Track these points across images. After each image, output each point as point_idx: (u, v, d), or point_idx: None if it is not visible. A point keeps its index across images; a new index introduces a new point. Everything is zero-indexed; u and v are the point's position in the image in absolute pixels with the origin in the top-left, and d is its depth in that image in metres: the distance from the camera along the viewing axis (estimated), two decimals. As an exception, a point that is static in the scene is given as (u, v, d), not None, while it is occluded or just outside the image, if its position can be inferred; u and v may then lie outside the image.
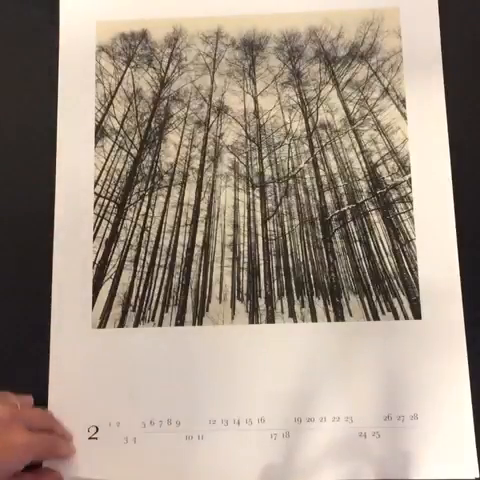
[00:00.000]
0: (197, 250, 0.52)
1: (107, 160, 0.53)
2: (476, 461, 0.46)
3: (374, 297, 0.50)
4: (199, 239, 0.52)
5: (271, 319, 0.50)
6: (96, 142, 0.53)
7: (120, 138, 0.54)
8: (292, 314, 0.50)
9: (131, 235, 0.52)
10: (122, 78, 0.55)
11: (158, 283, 0.51)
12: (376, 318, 0.49)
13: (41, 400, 0.48)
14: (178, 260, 0.52)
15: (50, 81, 0.53)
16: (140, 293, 0.51)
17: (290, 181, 0.53)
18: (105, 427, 0.48)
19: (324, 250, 0.51)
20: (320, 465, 0.46)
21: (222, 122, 0.54)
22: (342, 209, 0.52)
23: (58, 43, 0.54)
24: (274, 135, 0.54)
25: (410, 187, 0.51)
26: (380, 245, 0.51)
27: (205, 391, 0.48)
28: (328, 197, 0.52)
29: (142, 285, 0.51)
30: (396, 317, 0.49)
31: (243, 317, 0.50)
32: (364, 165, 0.53)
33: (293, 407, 0.47)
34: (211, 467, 0.47)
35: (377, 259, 0.51)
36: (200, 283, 0.51)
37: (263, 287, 0.51)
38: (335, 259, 0.51)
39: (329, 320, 0.49)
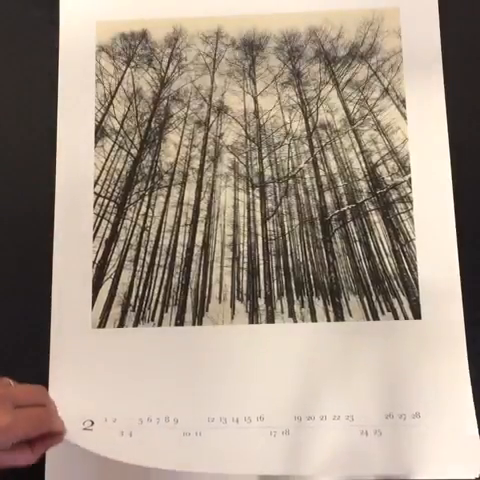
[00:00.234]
0: (197, 250, 0.52)
1: (107, 160, 0.53)
2: (476, 461, 0.46)
3: (374, 297, 0.50)
4: (199, 239, 0.52)
5: (271, 319, 0.50)
6: (96, 142, 0.53)
7: (120, 138, 0.54)
8: (292, 314, 0.50)
9: (131, 235, 0.52)
10: (122, 78, 0.55)
11: (158, 283, 0.51)
12: (376, 318, 0.49)
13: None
14: (178, 260, 0.52)
15: (50, 81, 0.53)
16: (140, 293, 0.51)
17: (290, 181, 0.53)
18: (101, 422, 0.48)
19: (324, 250, 0.51)
20: (320, 463, 0.46)
21: (222, 122, 0.54)
22: (342, 209, 0.52)
23: (58, 43, 0.54)
24: (274, 135, 0.54)
25: (410, 187, 0.51)
26: (380, 245, 0.51)
27: (203, 389, 0.48)
28: (328, 197, 0.52)
29: (142, 285, 0.51)
30: (396, 317, 0.49)
31: (243, 317, 0.50)
32: (364, 165, 0.53)
33: (293, 405, 0.47)
34: (209, 465, 0.47)
35: (377, 259, 0.51)
36: (200, 283, 0.51)
37: (263, 287, 0.51)
38: (335, 259, 0.51)
39: (329, 320, 0.49)
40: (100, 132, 0.53)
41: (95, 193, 0.52)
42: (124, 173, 0.53)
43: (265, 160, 0.53)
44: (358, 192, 0.52)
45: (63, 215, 0.51)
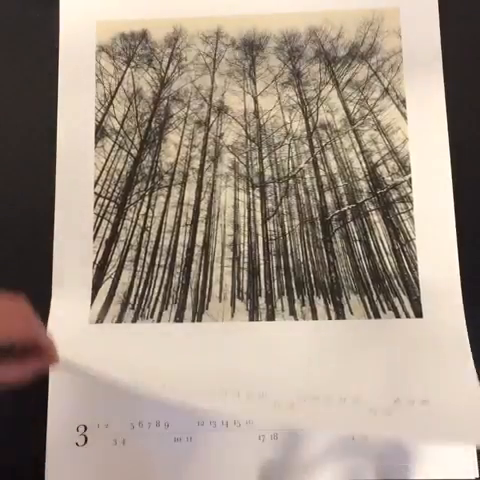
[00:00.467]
0: (197, 250, 0.52)
1: (107, 160, 0.53)
2: (476, 461, 0.46)
3: (375, 296, 0.50)
4: (199, 239, 0.52)
5: (271, 317, 0.50)
6: (96, 142, 0.53)
7: (120, 138, 0.54)
8: (293, 312, 0.50)
9: (131, 235, 0.52)
10: (122, 78, 0.55)
11: (158, 282, 0.51)
12: (377, 316, 0.49)
13: (41, 399, 0.48)
14: (178, 260, 0.52)
15: (50, 81, 0.53)
16: (139, 292, 0.51)
17: (290, 181, 0.53)
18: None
19: (324, 250, 0.51)
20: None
21: (222, 122, 0.54)
22: (342, 209, 0.52)
23: (58, 43, 0.54)
24: (274, 135, 0.54)
25: (410, 187, 0.51)
26: (380, 245, 0.51)
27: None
28: (328, 197, 0.52)
29: (142, 284, 0.51)
30: (397, 315, 0.49)
31: (243, 315, 0.50)
32: (364, 165, 0.53)
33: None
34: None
35: (377, 259, 0.51)
36: (200, 283, 0.51)
37: (263, 287, 0.51)
38: (335, 259, 0.51)
39: (330, 318, 0.49)
40: (100, 132, 0.53)
41: (95, 193, 0.52)
42: (124, 173, 0.53)
43: (265, 160, 0.53)
44: (358, 192, 0.52)
45: (63, 215, 0.51)
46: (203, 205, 0.53)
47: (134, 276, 0.51)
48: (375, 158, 0.53)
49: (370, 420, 0.44)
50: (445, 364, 0.47)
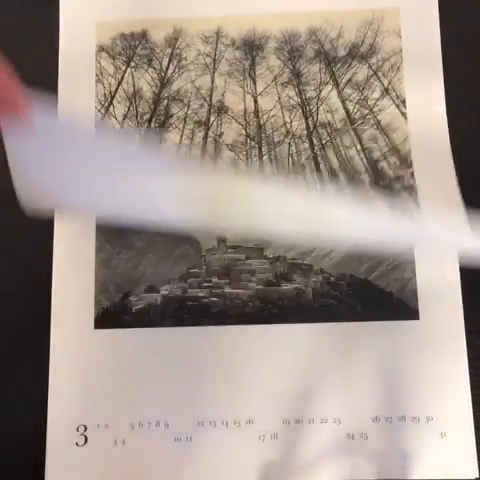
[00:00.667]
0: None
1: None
2: (476, 461, 0.46)
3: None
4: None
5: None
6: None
7: (120, 138, 0.54)
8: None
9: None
10: (122, 78, 0.55)
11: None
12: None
13: (41, 400, 0.48)
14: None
15: (50, 81, 0.53)
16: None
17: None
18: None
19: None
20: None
21: (222, 122, 0.54)
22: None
23: (58, 43, 0.54)
24: (274, 134, 0.53)
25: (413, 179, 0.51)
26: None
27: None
28: (330, 190, 0.52)
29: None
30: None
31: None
32: (365, 161, 0.53)
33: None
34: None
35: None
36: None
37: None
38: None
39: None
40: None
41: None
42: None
43: (265, 157, 0.53)
44: (361, 184, 0.52)
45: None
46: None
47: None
48: (376, 155, 0.53)
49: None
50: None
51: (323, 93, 0.54)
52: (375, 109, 0.53)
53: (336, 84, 0.54)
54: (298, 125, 0.53)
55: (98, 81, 0.54)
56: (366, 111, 0.53)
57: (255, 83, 0.54)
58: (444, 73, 0.52)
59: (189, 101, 0.54)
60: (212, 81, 0.54)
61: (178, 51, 0.55)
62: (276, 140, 0.53)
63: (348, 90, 0.54)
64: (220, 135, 0.54)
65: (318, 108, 0.54)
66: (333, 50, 0.54)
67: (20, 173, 0.34)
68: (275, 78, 0.54)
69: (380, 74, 0.54)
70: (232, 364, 0.48)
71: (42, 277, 0.50)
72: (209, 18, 0.55)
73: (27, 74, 0.53)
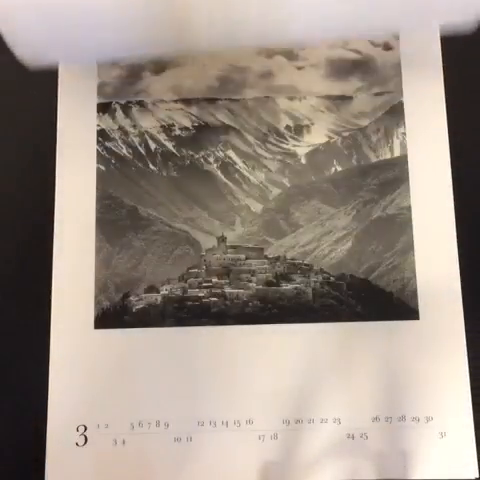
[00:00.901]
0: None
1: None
2: (476, 461, 0.46)
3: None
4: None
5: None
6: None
7: (120, 138, 0.54)
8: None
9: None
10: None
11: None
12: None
13: (41, 400, 0.48)
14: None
15: (50, 81, 0.53)
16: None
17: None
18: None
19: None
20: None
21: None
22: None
23: (58, 43, 0.54)
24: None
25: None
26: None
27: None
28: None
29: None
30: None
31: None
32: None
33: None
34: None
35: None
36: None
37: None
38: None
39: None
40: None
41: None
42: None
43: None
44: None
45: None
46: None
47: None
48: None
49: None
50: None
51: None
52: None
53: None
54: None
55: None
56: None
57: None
58: (444, 74, 0.52)
59: (189, 101, 0.54)
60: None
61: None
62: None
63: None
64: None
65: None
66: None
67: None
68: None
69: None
70: (232, 364, 0.48)
71: (42, 277, 0.50)
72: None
73: (27, 74, 0.54)
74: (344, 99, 0.53)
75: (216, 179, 0.53)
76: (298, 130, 0.53)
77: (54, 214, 0.51)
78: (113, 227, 0.51)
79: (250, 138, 0.54)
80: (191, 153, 0.53)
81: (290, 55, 0.53)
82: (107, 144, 0.53)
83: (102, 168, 0.52)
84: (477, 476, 0.46)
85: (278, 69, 0.53)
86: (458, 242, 0.49)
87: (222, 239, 0.51)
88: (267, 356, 0.48)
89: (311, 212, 0.52)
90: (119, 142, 0.53)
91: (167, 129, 0.54)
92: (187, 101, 0.54)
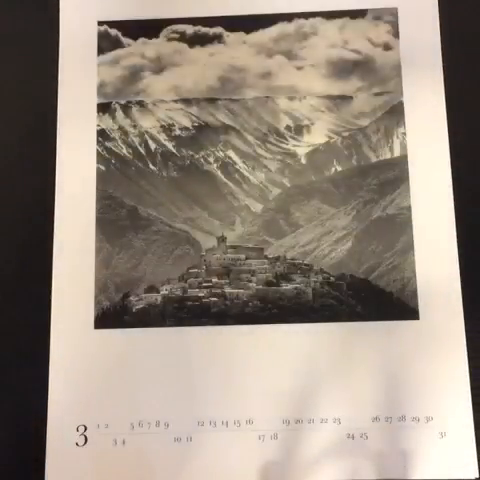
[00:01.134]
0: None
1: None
2: (476, 461, 0.46)
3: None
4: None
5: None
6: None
7: (120, 138, 0.54)
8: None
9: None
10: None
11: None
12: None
13: (41, 400, 0.48)
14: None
15: (50, 81, 0.53)
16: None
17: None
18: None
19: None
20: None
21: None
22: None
23: (58, 43, 0.54)
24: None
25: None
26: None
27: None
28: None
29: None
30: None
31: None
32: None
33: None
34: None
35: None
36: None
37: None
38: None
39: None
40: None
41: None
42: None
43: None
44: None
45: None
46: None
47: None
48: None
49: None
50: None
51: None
52: (375, 109, 0.53)
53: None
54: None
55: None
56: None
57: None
58: (444, 73, 0.52)
59: (189, 101, 0.54)
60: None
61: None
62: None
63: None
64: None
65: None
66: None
67: None
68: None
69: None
70: (232, 364, 0.48)
71: (42, 277, 0.50)
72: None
73: (27, 74, 0.54)
74: (344, 99, 0.53)
75: (216, 179, 0.53)
76: (298, 130, 0.54)
77: (54, 214, 0.51)
78: (113, 227, 0.51)
79: (250, 138, 0.54)
80: (191, 153, 0.53)
81: (290, 55, 0.53)
82: (107, 144, 0.53)
83: (102, 168, 0.52)
84: (477, 476, 0.46)
85: (278, 69, 0.53)
86: (458, 242, 0.49)
87: (222, 239, 0.51)
88: (267, 356, 0.48)
89: (311, 212, 0.52)
90: (119, 142, 0.53)
91: (167, 129, 0.54)
92: (187, 101, 0.54)
